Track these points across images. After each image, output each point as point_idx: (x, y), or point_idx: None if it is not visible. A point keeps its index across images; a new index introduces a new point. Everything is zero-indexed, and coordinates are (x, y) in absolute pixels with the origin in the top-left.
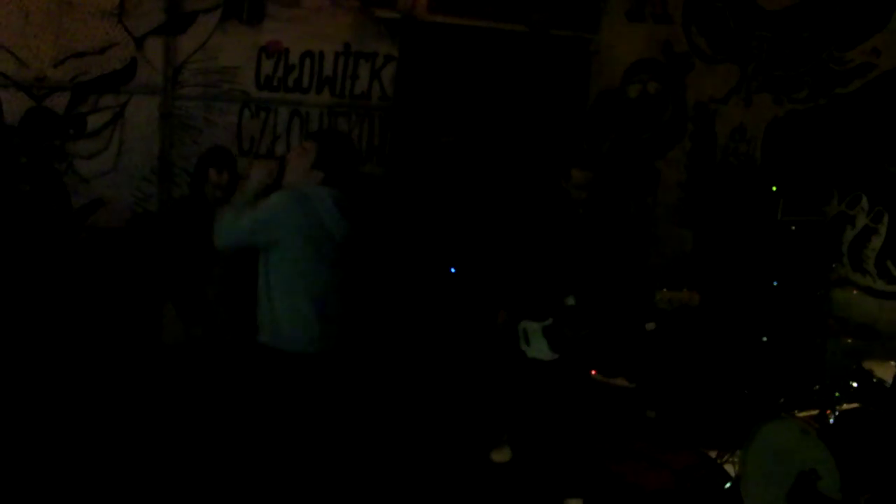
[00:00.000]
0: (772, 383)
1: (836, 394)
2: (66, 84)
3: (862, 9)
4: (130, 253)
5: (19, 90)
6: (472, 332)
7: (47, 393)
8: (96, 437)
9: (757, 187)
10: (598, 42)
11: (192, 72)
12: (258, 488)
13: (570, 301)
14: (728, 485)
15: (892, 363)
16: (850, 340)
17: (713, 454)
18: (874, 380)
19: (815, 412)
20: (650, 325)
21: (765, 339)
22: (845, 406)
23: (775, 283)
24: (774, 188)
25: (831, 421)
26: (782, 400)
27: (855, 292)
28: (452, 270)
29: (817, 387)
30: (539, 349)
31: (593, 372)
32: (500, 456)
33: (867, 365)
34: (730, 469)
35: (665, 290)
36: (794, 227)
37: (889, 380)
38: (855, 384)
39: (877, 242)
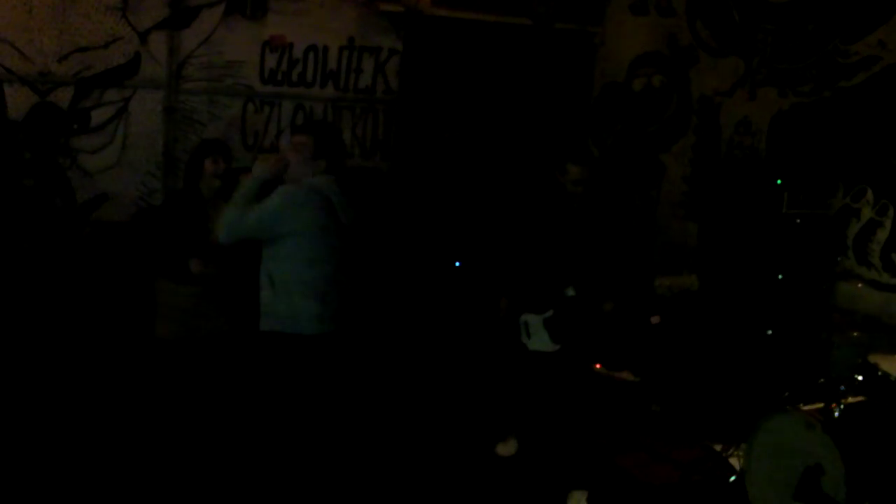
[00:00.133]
0: (777, 377)
1: (842, 387)
2: (70, 79)
3: (867, 1)
4: (132, 247)
5: (23, 85)
6: (475, 325)
7: (50, 386)
8: (100, 429)
9: (762, 180)
10: (602, 35)
11: (196, 66)
12: (260, 476)
13: (570, 292)
14: (733, 478)
15: None
16: (855, 334)
17: (718, 448)
18: (879, 373)
19: (820, 406)
20: (655, 319)
21: (770, 332)
22: (850, 399)
23: (780, 277)
24: (779, 181)
25: (836, 414)
26: (787, 393)
27: (860, 285)
28: (457, 264)
29: (822, 380)
30: (541, 341)
31: (598, 366)
32: (506, 449)
33: (872, 358)
34: (735, 463)
35: (664, 276)
36: (798, 221)
37: (894, 373)
38: (860, 378)
39: (882, 235)
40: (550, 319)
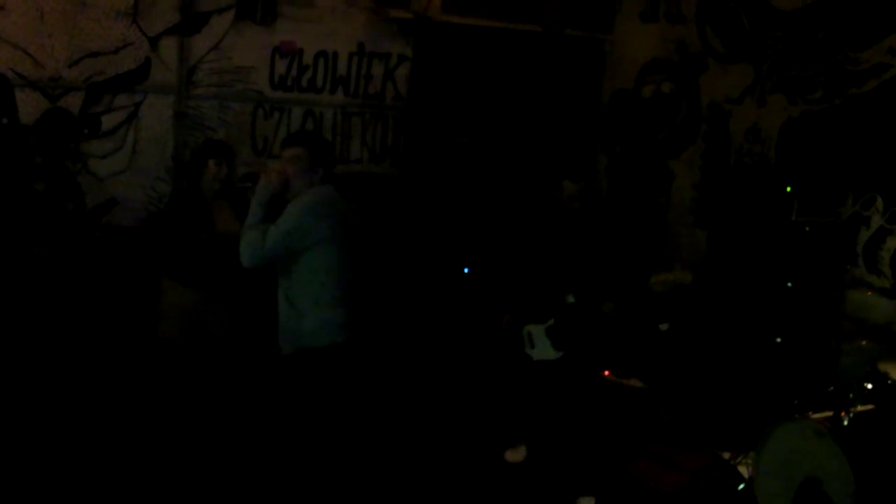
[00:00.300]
0: (786, 385)
1: (851, 395)
2: (81, 84)
3: (877, 9)
4: (141, 251)
5: (35, 90)
6: (480, 333)
7: (57, 387)
8: (106, 429)
9: (771, 188)
10: (611, 42)
11: (206, 72)
12: (267, 478)
13: (571, 299)
14: (741, 486)
15: None
16: (864, 342)
17: (727, 455)
18: (889, 381)
19: (829, 414)
20: (664, 326)
21: (779, 340)
22: (860, 408)
23: (789, 284)
24: (789, 189)
25: (845, 423)
26: (796, 401)
27: (870, 293)
28: (466, 270)
29: (831, 388)
30: (543, 350)
31: (607, 373)
32: (515, 455)
33: (882, 367)
34: (743, 470)
35: (658, 273)
36: (808, 228)
37: None
38: (869, 386)
39: (892, 244)
40: (552, 328)
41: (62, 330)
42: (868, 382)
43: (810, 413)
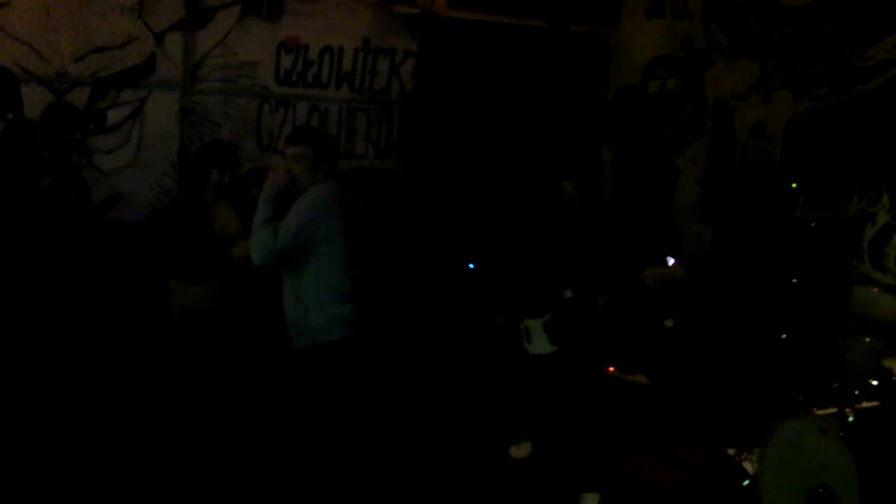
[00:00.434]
0: (791, 381)
1: (856, 392)
2: (87, 79)
3: (883, 5)
4: (146, 247)
5: (40, 85)
6: (483, 331)
7: (62, 383)
8: (109, 426)
9: (776, 184)
10: (617, 38)
11: (212, 67)
12: (268, 475)
13: (568, 294)
14: (746, 482)
15: None
16: (868, 339)
17: (732, 452)
18: (894, 378)
19: (834, 410)
20: (669, 322)
21: (784, 336)
22: (865, 404)
23: (795, 281)
24: (794, 185)
25: (850, 419)
26: (801, 398)
27: (875, 290)
28: (471, 266)
29: (836, 385)
30: (540, 345)
31: (612, 368)
32: (520, 451)
33: (887, 363)
34: (748, 467)
35: (651, 267)
36: (813, 224)
37: None
38: (875, 382)
39: None
40: (549, 322)
41: (66, 324)
42: (873, 379)
43: (815, 409)
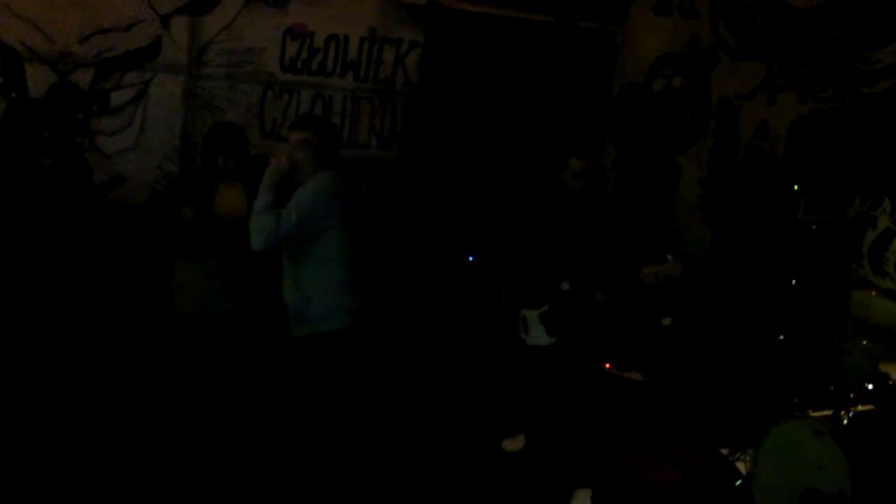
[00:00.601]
0: (787, 382)
1: (852, 395)
2: (91, 60)
3: (891, 9)
4: (147, 228)
5: (44, 65)
6: (481, 320)
7: (68, 364)
8: (118, 408)
9: (778, 185)
10: (623, 35)
11: (217, 52)
12: (265, 463)
13: (566, 286)
14: (739, 483)
15: None
16: (865, 342)
17: (725, 451)
18: (890, 382)
19: (829, 413)
20: (666, 321)
21: (781, 337)
22: (860, 408)
23: (794, 282)
24: (796, 187)
25: (845, 422)
26: (797, 399)
27: (874, 294)
28: (471, 259)
29: (832, 387)
30: (537, 336)
31: (607, 365)
32: (513, 445)
33: (883, 367)
34: (741, 467)
35: (649, 265)
36: (814, 227)
37: None
38: (870, 386)
39: None
40: (546, 313)
41: (66, 305)
42: (869, 383)
43: (810, 411)
